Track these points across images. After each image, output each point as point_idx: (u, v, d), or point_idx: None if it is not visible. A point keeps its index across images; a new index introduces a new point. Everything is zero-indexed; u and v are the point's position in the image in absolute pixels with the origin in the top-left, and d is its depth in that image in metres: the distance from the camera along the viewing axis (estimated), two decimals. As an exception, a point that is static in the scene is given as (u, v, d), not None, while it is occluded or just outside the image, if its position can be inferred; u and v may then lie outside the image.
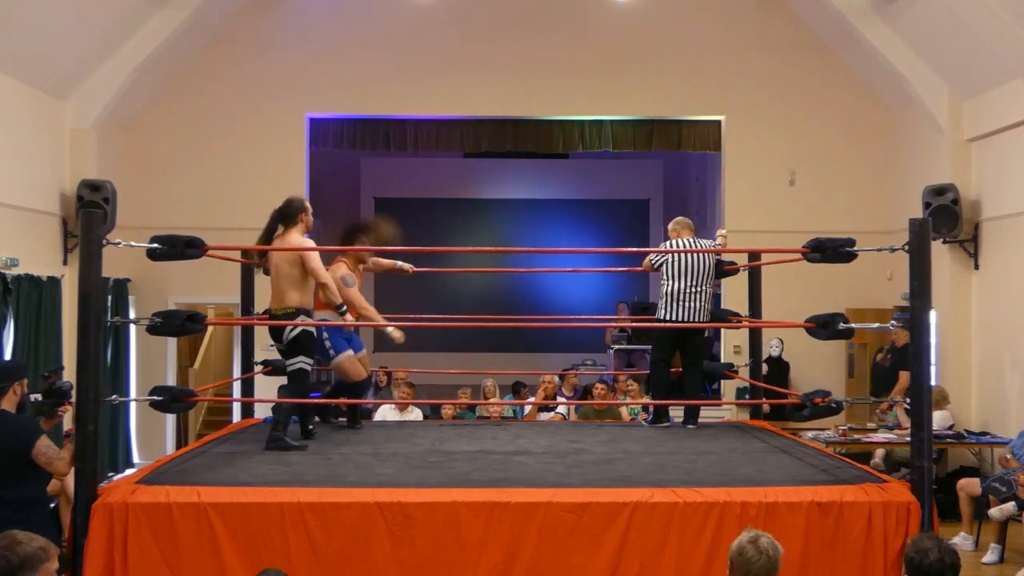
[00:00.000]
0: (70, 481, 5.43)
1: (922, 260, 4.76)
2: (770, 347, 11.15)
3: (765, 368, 10.43)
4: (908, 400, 4.93)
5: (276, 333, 5.97)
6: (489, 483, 4.81)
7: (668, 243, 7.18)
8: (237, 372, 9.51)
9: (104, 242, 4.67)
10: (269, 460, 5.45)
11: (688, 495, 4.58)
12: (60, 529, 6.56)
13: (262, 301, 7.28)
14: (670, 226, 7.29)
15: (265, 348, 10.18)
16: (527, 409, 9.97)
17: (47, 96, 9.75)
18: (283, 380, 5.97)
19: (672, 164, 16.84)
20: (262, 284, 7.43)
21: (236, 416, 8.46)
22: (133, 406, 11.14)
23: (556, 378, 10.28)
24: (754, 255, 7.16)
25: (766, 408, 8.67)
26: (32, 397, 5.00)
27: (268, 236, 5.98)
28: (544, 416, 9.57)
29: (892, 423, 9.78)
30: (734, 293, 10.37)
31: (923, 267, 4.77)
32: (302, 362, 5.94)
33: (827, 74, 11.80)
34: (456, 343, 15.40)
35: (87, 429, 4.49)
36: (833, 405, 5.32)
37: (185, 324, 5.08)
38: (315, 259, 5.94)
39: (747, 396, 9.80)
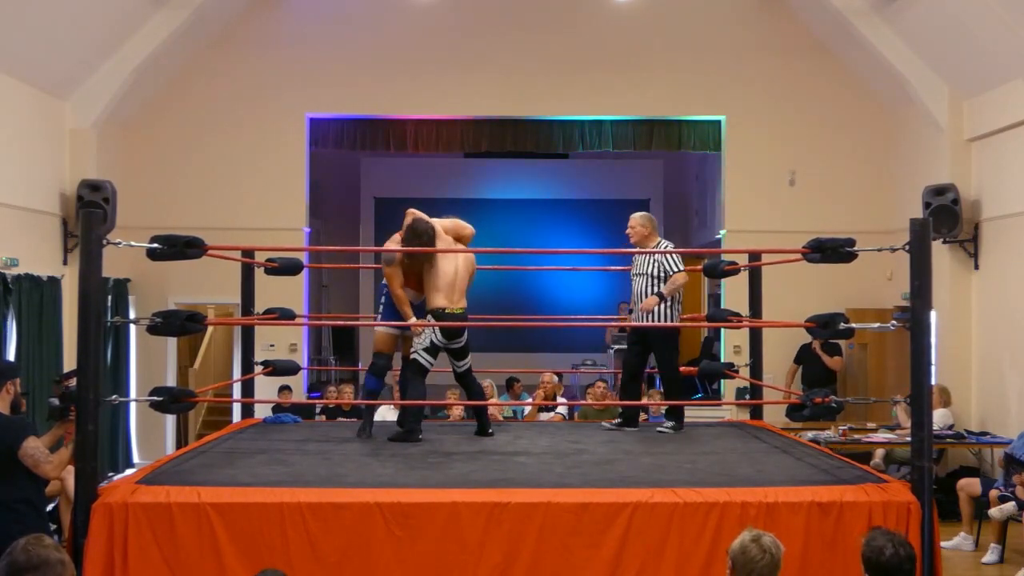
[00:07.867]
0: (70, 481, 5.43)
1: (923, 260, 4.77)
2: None
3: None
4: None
5: (454, 333, 6.32)
6: (489, 483, 4.81)
7: (668, 244, 7.16)
8: (237, 372, 9.51)
9: (104, 242, 4.67)
10: (269, 460, 5.45)
11: (688, 495, 4.58)
12: (60, 529, 6.57)
13: (262, 301, 7.28)
14: (652, 225, 6.98)
15: (265, 348, 10.27)
16: (527, 410, 9.97)
17: (47, 96, 9.75)
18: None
19: (672, 164, 16.82)
20: (262, 284, 7.44)
21: (236, 416, 8.46)
22: (133, 406, 11.13)
23: (555, 377, 10.26)
24: (754, 255, 7.16)
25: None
26: (50, 400, 4.99)
27: None
28: (544, 416, 9.57)
29: (893, 423, 9.79)
30: (735, 293, 10.36)
31: (924, 267, 4.77)
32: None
33: (827, 74, 11.79)
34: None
35: (87, 429, 4.49)
36: (834, 405, 5.32)
37: (185, 324, 5.08)
38: None
39: (747, 396, 9.80)
